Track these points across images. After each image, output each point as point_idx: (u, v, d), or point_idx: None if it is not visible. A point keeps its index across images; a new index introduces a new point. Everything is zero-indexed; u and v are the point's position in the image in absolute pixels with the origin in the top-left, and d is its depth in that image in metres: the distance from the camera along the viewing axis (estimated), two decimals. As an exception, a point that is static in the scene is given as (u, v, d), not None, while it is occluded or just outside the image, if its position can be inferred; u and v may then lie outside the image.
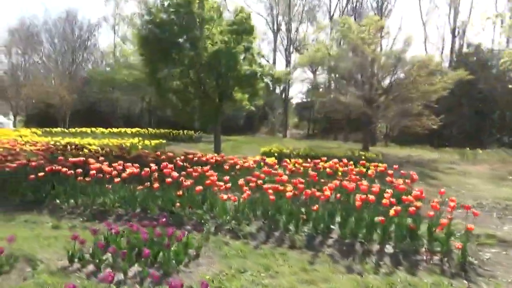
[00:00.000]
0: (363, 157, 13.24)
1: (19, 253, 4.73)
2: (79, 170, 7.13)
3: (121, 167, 7.29)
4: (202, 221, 6.22)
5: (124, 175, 6.93)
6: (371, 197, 5.68)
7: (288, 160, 9.58)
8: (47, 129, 24.10)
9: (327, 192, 5.90)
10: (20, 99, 35.29)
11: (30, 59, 38.54)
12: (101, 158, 8.21)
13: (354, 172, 8.11)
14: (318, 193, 6.05)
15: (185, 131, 23.63)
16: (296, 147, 16.18)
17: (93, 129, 24.13)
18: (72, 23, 38.96)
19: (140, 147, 15.62)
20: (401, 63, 15.89)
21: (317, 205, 5.79)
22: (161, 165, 7.27)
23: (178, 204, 6.36)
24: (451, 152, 19.06)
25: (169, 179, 6.53)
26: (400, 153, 18.53)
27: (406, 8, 77.47)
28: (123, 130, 23.74)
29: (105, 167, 7.32)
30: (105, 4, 50.68)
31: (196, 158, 9.15)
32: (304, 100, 39.86)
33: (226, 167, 8.66)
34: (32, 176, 7.06)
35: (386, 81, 16.43)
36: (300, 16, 36.97)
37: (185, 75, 13.78)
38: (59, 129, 24.68)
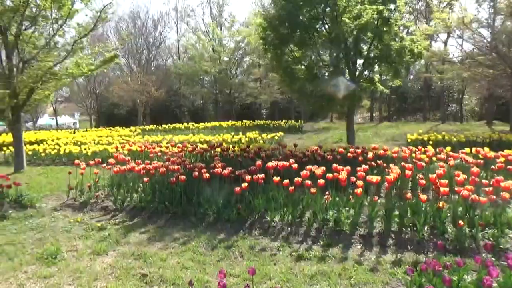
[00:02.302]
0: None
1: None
2: (309, 180, 5.57)
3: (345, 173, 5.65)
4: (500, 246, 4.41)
5: (360, 183, 5.26)
6: None
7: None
8: (140, 128, 23.71)
9: None
10: (94, 99, 35.96)
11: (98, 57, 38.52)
12: (292, 160, 6.64)
13: None
14: None
15: (285, 121, 21.92)
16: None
17: (186, 124, 23.37)
18: (142, 19, 38.68)
19: (261, 141, 14.23)
20: None
21: None
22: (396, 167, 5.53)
23: (461, 222, 4.56)
24: None
25: (445, 189, 4.71)
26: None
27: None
28: (217, 124, 22.62)
29: (317, 172, 5.73)
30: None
31: (382, 153, 7.33)
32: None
33: (441, 164, 6.73)
34: (238, 188, 5.64)
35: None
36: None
37: (317, 56, 11.96)
38: (151, 127, 24.16)
